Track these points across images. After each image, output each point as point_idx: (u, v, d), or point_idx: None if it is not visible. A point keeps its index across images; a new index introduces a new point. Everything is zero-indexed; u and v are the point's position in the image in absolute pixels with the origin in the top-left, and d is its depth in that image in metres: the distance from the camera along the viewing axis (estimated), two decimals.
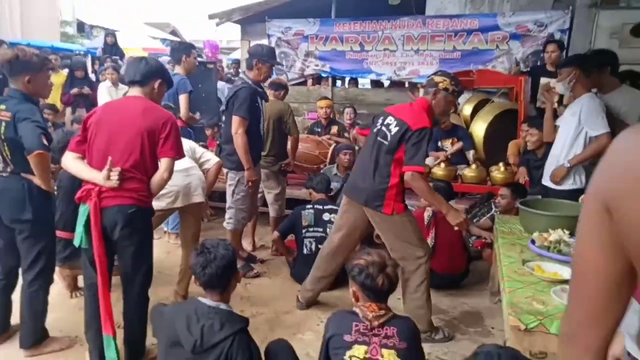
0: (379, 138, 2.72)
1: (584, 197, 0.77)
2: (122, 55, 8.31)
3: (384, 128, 2.72)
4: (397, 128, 2.64)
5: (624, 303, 0.75)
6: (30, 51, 2.44)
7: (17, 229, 2.47)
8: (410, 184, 2.60)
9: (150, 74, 2.36)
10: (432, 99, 2.71)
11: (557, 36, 5.47)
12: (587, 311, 0.76)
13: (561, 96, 3.52)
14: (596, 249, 0.72)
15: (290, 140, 4.17)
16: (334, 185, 4.18)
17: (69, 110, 6.21)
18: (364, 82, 7.59)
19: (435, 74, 2.84)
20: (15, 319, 2.63)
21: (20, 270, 2.58)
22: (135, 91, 2.38)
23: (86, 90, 6.24)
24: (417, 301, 2.74)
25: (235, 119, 3.41)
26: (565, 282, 2.02)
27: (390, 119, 2.71)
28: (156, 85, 2.39)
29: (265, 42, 7.02)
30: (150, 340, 2.45)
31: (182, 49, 4.03)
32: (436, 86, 2.69)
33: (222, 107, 3.69)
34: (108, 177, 2.15)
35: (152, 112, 2.29)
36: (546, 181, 3.33)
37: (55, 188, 2.94)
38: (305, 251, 3.54)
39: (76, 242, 2.26)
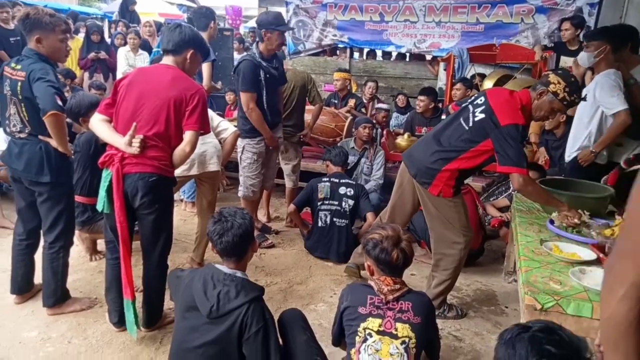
0: (461, 119, 2.48)
1: None
2: (138, 21, 8.22)
3: (470, 107, 2.47)
4: (482, 115, 2.37)
5: None
6: (45, 11, 2.39)
7: (36, 191, 2.49)
8: (521, 191, 2.34)
9: (183, 44, 2.31)
10: (536, 99, 2.37)
11: (586, 10, 5.27)
12: (628, 244, 0.88)
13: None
14: None
15: (315, 109, 4.09)
16: (351, 159, 4.15)
17: (86, 75, 6.22)
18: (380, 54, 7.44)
19: (554, 71, 2.50)
20: (38, 279, 2.70)
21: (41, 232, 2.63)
22: (168, 60, 2.34)
23: (102, 54, 6.23)
24: (440, 281, 2.68)
25: (244, 95, 3.38)
26: (584, 263, 2.00)
27: (480, 100, 2.44)
28: (189, 55, 2.34)
29: (283, 9, 6.88)
30: (168, 304, 2.52)
31: (208, 14, 3.79)
32: (547, 86, 2.33)
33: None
34: (130, 143, 2.15)
35: (180, 83, 2.25)
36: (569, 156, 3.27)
37: (72, 153, 2.96)
38: (320, 224, 3.55)
39: (99, 207, 2.28)
